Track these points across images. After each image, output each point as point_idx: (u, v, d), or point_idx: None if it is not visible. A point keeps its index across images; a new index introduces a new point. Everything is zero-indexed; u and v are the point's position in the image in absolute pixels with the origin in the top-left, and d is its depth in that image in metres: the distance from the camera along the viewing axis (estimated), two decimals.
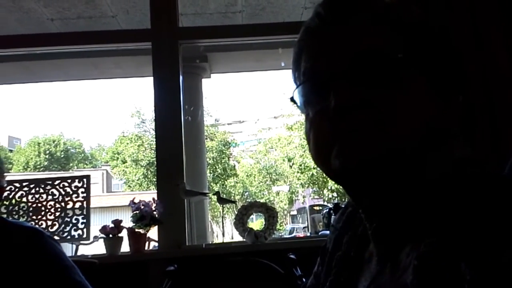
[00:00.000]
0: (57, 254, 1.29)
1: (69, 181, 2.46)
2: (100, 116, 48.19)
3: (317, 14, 0.57)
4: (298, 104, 0.58)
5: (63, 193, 2.43)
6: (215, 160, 17.61)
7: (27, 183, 2.43)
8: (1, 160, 1.43)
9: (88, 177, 2.51)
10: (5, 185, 1.51)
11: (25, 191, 2.40)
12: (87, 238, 2.38)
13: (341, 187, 0.58)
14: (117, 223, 2.27)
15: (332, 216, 2.88)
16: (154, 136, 2.70)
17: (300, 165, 15.02)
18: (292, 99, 0.59)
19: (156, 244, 2.44)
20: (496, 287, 0.38)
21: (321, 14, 0.56)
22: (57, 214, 2.40)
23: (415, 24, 0.54)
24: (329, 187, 14.02)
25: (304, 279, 1.90)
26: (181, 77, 2.61)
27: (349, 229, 0.66)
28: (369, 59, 0.51)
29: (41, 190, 2.42)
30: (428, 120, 0.50)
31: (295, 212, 19.99)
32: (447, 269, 0.42)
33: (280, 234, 12.40)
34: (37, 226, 1.71)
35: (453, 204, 0.47)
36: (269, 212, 2.43)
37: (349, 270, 0.61)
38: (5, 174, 1.44)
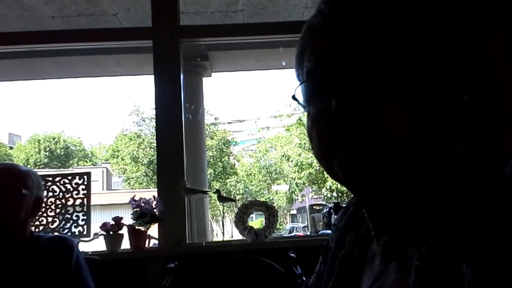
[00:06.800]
0: (83, 270, 1.54)
1: (69, 177, 2.47)
2: (100, 113, 48.20)
3: (319, 12, 0.56)
4: (300, 101, 0.58)
5: (63, 189, 2.43)
6: (215, 158, 17.60)
7: None
8: (37, 175, 1.63)
9: (88, 174, 2.51)
10: (44, 197, 1.72)
11: None
12: (88, 235, 2.38)
13: (341, 186, 0.58)
14: (118, 220, 2.28)
15: (333, 216, 2.88)
16: (153, 134, 2.70)
17: (297, 164, 15.00)
18: (294, 97, 0.59)
19: (156, 241, 2.45)
20: (495, 287, 0.39)
21: (324, 12, 0.56)
22: (58, 210, 2.40)
23: (418, 25, 0.53)
24: (328, 186, 14.00)
25: (304, 278, 1.90)
26: (182, 76, 2.62)
27: (352, 228, 0.66)
28: (371, 61, 0.50)
29: None
30: (429, 122, 0.50)
31: (295, 212, 19.97)
32: (448, 270, 0.42)
33: (279, 234, 12.40)
34: (69, 236, 1.82)
35: (456, 205, 0.47)
36: (269, 211, 2.44)
37: (352, 270, 0.61)
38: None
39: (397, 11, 0.54)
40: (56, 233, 2.31)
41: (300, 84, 0.58)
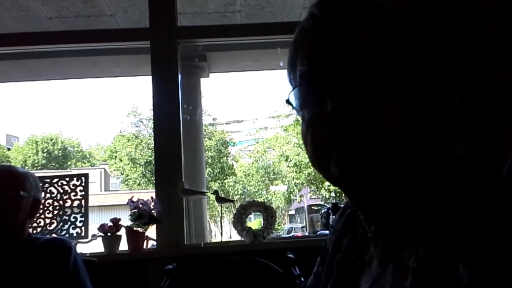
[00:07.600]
0: (81, 272, 1.54)
1: (67, 179, 2.46)
2: (98, 114, 48.12)
3: (311, 15, 0.56)
4: (294, 106, 0.58)
5: (61, 191, 2.43)
6: (213, 159, 17.60)
7: None
8: (35, 177, 1.63)
9: (86, 175, 2.51)
10: (42, 199, 1.72)
11: None
12: (86, 236, 2.38)
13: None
14: (116, 221, 2.27)
15: (331, 216, 2.87)
16: (151, 135, 2.70)
17: (295, 164, 15.00)
18: (287, 101, 0.58)
19: (155, 242, 2.44)
20: None
21: (316, 15, 0.55)
22: (55, 212, 2.40)
23: (412, 25, 0.53)
24: (326, 187, 14.01)
25: (302, 278, 1.90)
26: (179, 76, 2.61)
27: (349, 231, 0.66)
28: (365, 62, 0.50)
29: None
30: (425, 122, 0.50)
31: (293, 212, 19.97)
32: (445, 272, 0.42)
33: (278, 234, 12.38)
34: (66, 238, 1.82)
35: (452, 206, 0.47)
36: (268, 212, 2.43)
37: (350, 273, 0.61)
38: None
39: (391, 12, 0.54)
40: (53, 235, 2.30)
41: (294, 88, 0.58)
